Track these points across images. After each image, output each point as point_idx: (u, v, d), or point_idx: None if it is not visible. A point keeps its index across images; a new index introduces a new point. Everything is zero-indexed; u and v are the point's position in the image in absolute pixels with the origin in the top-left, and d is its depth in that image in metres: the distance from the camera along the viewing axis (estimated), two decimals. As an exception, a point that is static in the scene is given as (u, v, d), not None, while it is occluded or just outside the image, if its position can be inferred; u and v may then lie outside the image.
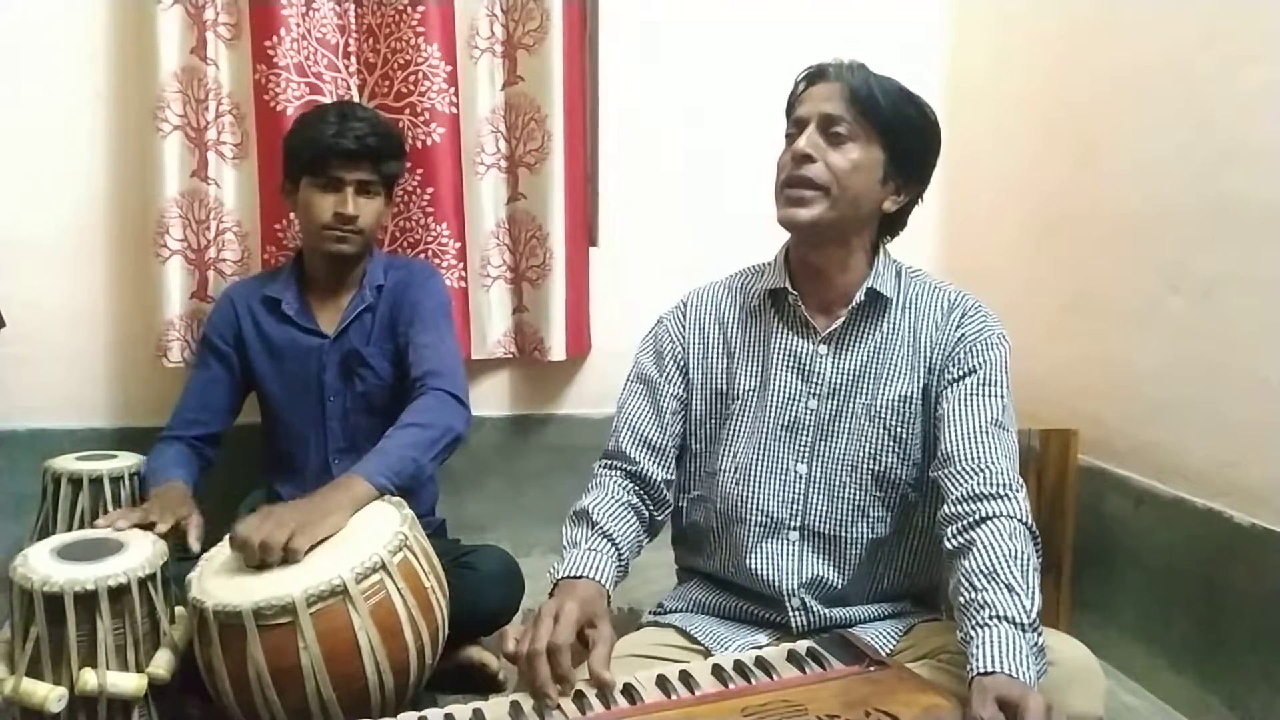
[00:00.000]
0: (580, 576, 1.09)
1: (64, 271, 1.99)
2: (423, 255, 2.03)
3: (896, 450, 1.19)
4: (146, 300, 1.95)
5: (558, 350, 2.08)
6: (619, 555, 1.15)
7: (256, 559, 1.21)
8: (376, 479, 1.34)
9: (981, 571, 0.99)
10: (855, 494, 1.20)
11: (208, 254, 1.96)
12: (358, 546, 1.22)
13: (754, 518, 1.21)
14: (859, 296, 1.20)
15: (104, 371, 2.03)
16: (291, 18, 1.92)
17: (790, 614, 1.20)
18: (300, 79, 1.95)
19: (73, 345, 2.01)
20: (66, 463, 1.65)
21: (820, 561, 1.21)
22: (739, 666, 1.03)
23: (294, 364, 1.68)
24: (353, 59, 2.01)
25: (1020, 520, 1.05)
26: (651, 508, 1.25)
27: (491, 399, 2.18)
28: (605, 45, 2.14)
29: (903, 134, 1.17)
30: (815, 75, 1.20)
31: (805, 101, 1.19)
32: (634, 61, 2.15)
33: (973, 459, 1.10)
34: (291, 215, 1.94)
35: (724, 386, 1.26)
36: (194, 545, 1.40)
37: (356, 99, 2.00)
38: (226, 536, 1.33)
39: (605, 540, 1.15)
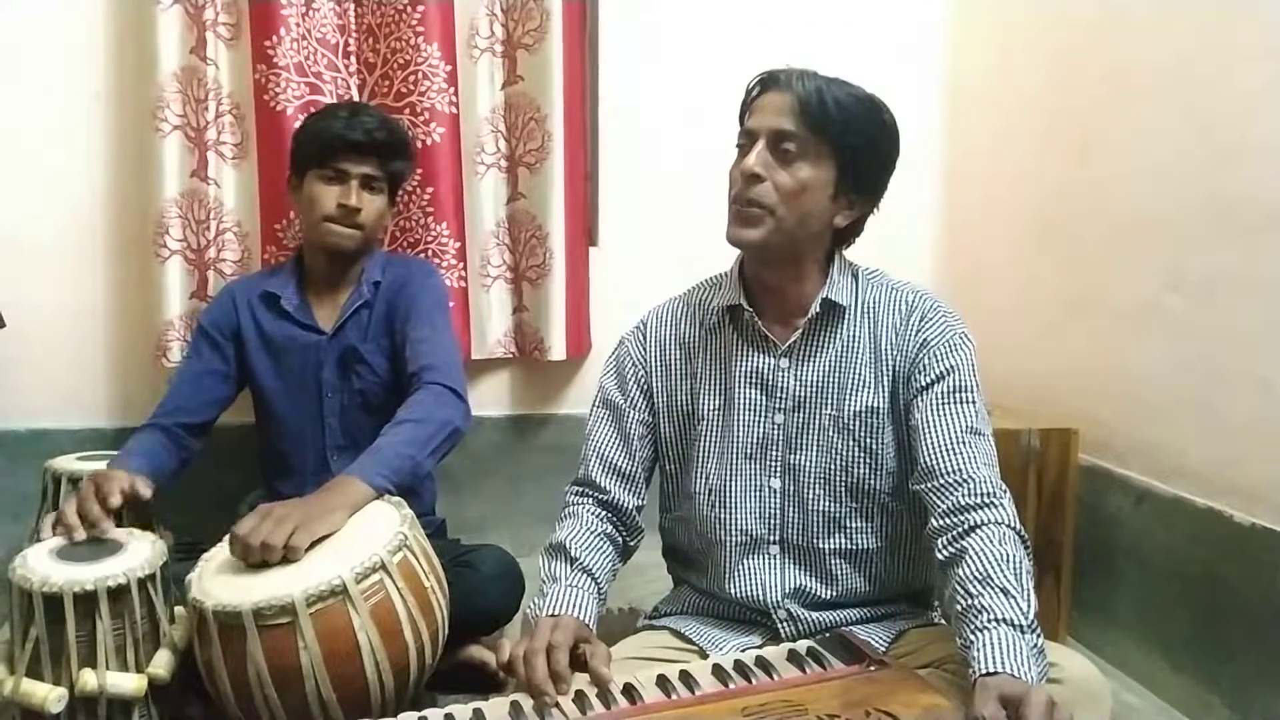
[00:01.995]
0: (564, 615, 1.08)
1: (64, 272, 1.98)
2: (422, 255, 2.03)
3: (868, 461, 1.18)
4: (146, 300, 1.95)
5: (558, 350, 2.08)
6: (598, 589, 1.16)
7: (258, 558, 1.20)
8: (373, 479, 1.33)
9: (975, 578, 0.99)
10: (829, 506, 1.19)
11: (207, 254, 1.96)
12: (357, 546, 1.22)
13: (733, 538, 1.21)
14: (815, 308, 1.18)
15: (104, 371, 2.03)
16: (291, 17, 1.92)
17: (778, 624, 1.20)
18: (300, 79, 1.95)
19: (73, 345, 2.01)
20: (67, 463, 1.65)
21: (802, 574, 1.21)
22: (739, 666, 1.03)
23: (292, 361, 1.68)
24: (352, 59, 2.01)
25: (1009, 526, 1.04)
26: (625, 534, 1.26)
27: (491, 399, 2.18)
28: (605, 45, 2.14)
29: (857, 149, 1.13)
30: (767, 82, 1.15)
31: (756, 112, 1.15)
32: (634, 61, 2.15)
33: (953, 471, 1.09)
34: (292, 215, 1.94)
35: (689, 408, 1.25)
36: (144, 492, 1.38)
37: (356, 99, 2.00)
38: (226, 537, 1.33)
39: (584, 575, 1.15)
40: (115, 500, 1.34)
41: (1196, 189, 1.56)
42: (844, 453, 1.19)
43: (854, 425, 1.18)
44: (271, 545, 1.19)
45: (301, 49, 1.95)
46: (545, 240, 2.05)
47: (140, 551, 1.27)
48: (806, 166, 1.12)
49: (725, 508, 1.22)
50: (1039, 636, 0.95)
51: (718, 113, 2.21)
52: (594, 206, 2.18)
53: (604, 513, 1.24)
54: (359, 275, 1.69)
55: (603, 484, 1.25)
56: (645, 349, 1.29)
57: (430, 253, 2.04)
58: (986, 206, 2.18)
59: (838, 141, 1.12)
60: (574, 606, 1.10)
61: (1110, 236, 1.77)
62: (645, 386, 1.27)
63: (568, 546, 1.17)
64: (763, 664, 1.03)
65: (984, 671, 0.90)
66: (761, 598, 1.20)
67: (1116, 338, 1.75)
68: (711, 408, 1.23)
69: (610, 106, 2.15)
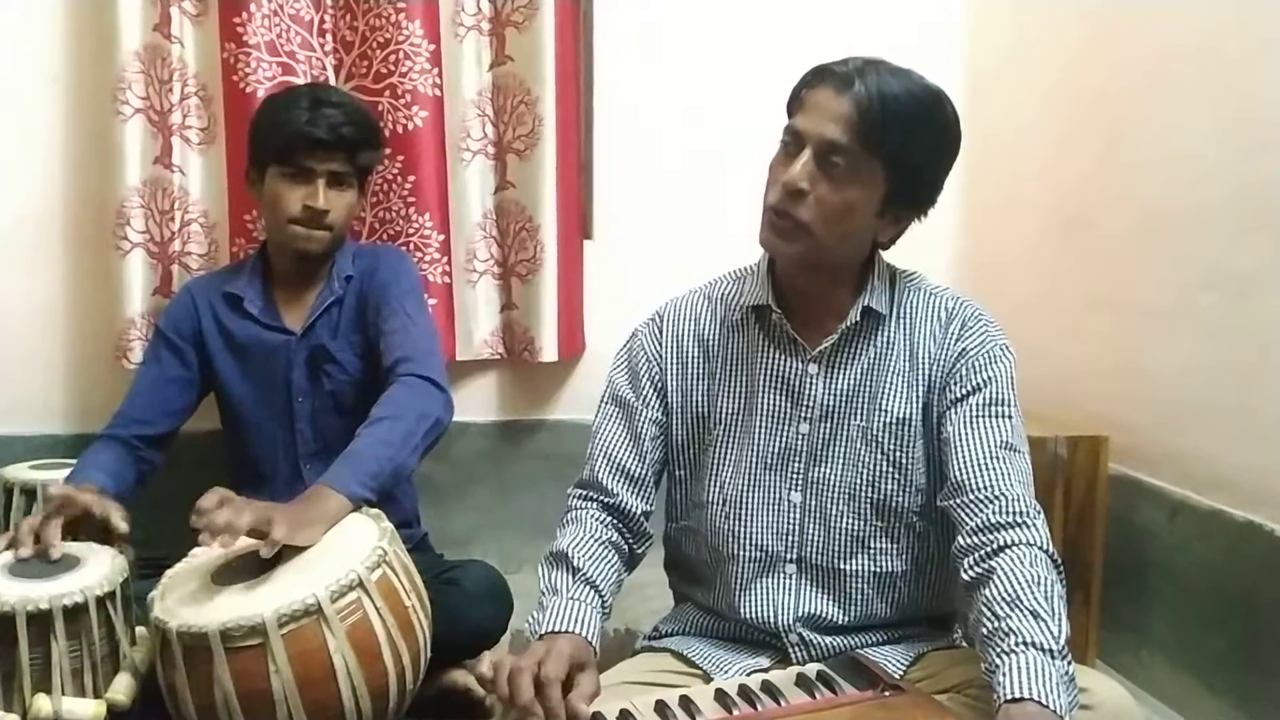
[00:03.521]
0: (565, 631, 1.07)
1: (17, 267, 1.98)
2: (404, 248, 2.02)
3: (897, 477, 1.18)
4: (106, 297, 1.94)
5: (549, 351, 2.07)
6: (602, 603, 1.14)
7: (219, 524, 1.17)
8: (351, 488, 1.32)
9: (1003, 599, 0.98)
10: (854, 524, 1.18)
11: (172, 247, 1.95)
12: (333, 563, 1.21)
13: (747, 553, 1.20)
14: (854, 316, 1.17)
15: (61, 373, 2.02)
16: (262, -7, 1.92)
17: (789, 648, 1.20)
18: (272, 58, 1.94)
19: (27, 346, 2.00)
20: (20, 472, 1.65)
21: (820, 596, 1.20)
22: (744, 691, 1.02)
23: (259, 364, 1.67)
24: (328, 37, 2.01)
25: (1041, 548, 1.04)
26: (631, 541, 1.24)
27: (478, 403, 2.18)
28: (600, 23, 2.13)
29: (912, 163, 1.10)
30: (824, 74, 1.11)
31: (807, 109, 1.11)
32: (632, 41, 2.14)
33: (985, 487, 1.09)
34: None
35: (704, 410, 1.24)
36: (119, 525, 1.36)
37: (332, 80, 1.99)
38: (192, 550, 1.32)
39: (587, 587, 1.14)
40: (116, 520, 1.34)
41: (1231, 179, 1.55)
42: (871, 467, 1.18)
43: (884, 437, 1.17)
44: (236, 527, 1.17)
45: (273, 26, 1.94)
46: (536, 233, 2.05)
47: (99, 568, 1.26)
48: (856, 188, 1.10)
49: (740, 520, 1.21)
50: (1070, 663, 0.95)
51: (721, 101, 2.23)
52: (588, 196, 2.18)
53: (609, 518, 1.23)
54: (329, 270, 1.69)
55: (609, 486, 1.23)
56: (661, 342, 1.27)
57: (412, 246, 2.03)
58: (1007, 198, 2.18)
59: (892, 158, 1.09)
60: (575, 622, 1.08)
61: (1139, 230, 1.77)
62: (659, 383, 1.26)
63: (569, 555, 1.16)
64: (769, 689, 1.03)
65: (1010, 697, 0.90)
66: (772, 620, 1.19)
67: (1146, 338, 1.75)
68: (729, 411, 1.22)
69: (606, 90, 2.15)
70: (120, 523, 1.36)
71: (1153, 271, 1.74)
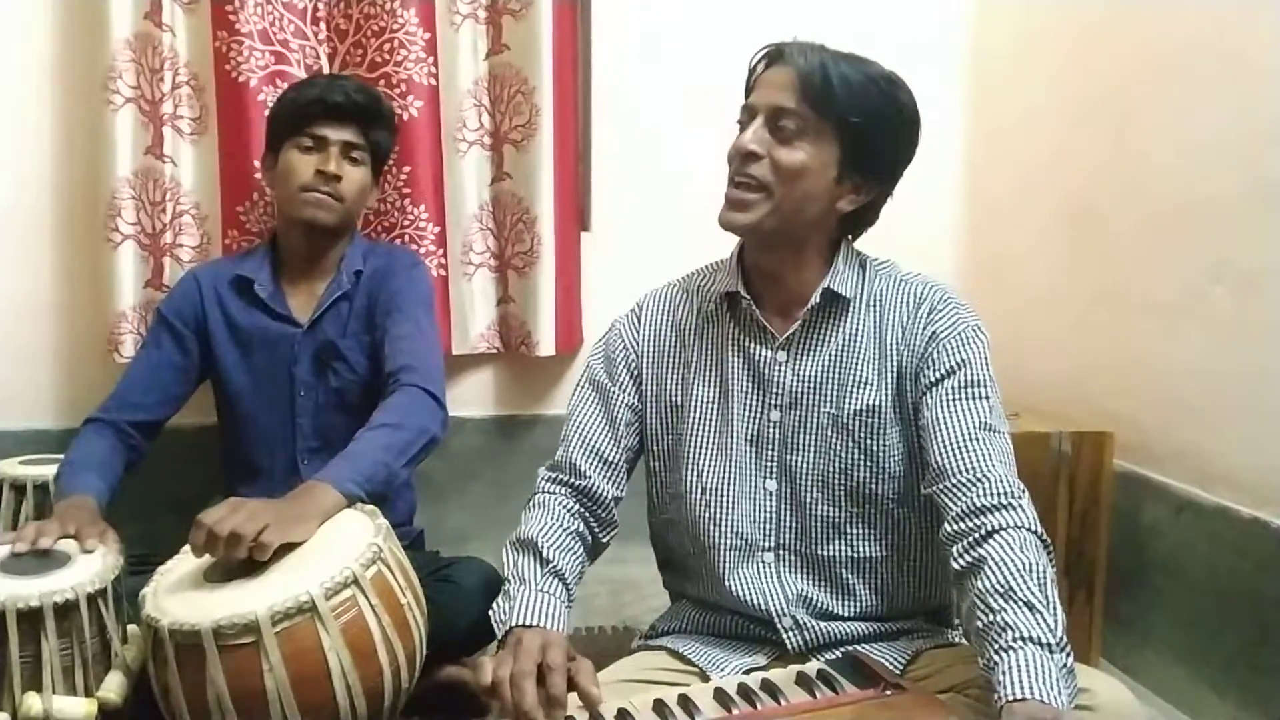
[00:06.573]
0: (535, 625, 1.07)
1: (6, 260, 1.98)
2: (399, 240, 2.03)
3: (869, 465, 1.19)
4: (96, 290, 1.95)
5: (546, 344, 2.08)
6: (569, 596, 1.15)
7: (220, 552, 1.19)
8: (346, 485, 1.33)
9: (996, 591, 0.99)
10: (828, 511, 1.20)
11: (163, 239, 1.95)
12: (327, 559, 1.22)
13: (727, 541, 1.22)
14: (815, 299, 1.19)
15: (50, 368, 2.02)
16: (255, -20, 1.92)
17: (784, 634, 1.21)
18: (265, 47, 1.94)
19: (16, 340, 2.00)
20: (9, 467, 1.65)
21: (803, 580, 1.21)
22: (743, 690, 1.03)
23: (263, 354, 1.68)
24: (322, 25, 2.00)
25: (1029, 529, 1.05)
26: (597, 530, 1.25)
27: (474, 398, 2.18)
28: (598, 12, 2.13)
29: (864, 129, 1.13)
30: (771, 57, 1.18)
31: (759, 87, 1.18)
32: (630, 30, 2.14)
33: (967, 470, 1.09)
34: (256, 196, 1.94)
35: (679, 399, 1.26)
36: (115, 552, 1.36)
37: (326, 69, 1.99)
38: (184, 547, 1.33)
39: (555, 579, 1.14)
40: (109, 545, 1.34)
41: (1241, 172, 1.56)
42: (843, 454, 1.19)
43: (854, 425, 1.19)
44: (240, 534, 1.18)
45: (266, 14, 1.94)
46: (533, 225, 2.05)
47: (90, 565, 1.27)
48: (806, 146, 1.14)
49: (718, 509, 1.22)
50: (1068, 654, 0.95)
51: (721, 89, 2.20)
52: (586, 188, 2.18)
53: (577, 505, 1.24)
54: (338, 262, 1.69)
55: (582, 468, 1.25)
56: (638, 332, 1.30)
57: (407, 238, 2.04)
58: (1012, 189, 2.18)
59: (841, 120, 1.13)
60: (546, 616, 1.09)
61: (1148, 222, 1.77)
62: (635, 372, 1.29)
63: (538, 544, 1.17)
64: (769, 687, 1.03)
65: (1011, 697, 0.91)
66: (764, 605, 1.20)
67: (1154, 333, 1.75)
68: (704, 401, 1.24)
69: (604, 79, 2.15)
70: (115, 549, 1.36)
71: (1162, 265, 1.74)
